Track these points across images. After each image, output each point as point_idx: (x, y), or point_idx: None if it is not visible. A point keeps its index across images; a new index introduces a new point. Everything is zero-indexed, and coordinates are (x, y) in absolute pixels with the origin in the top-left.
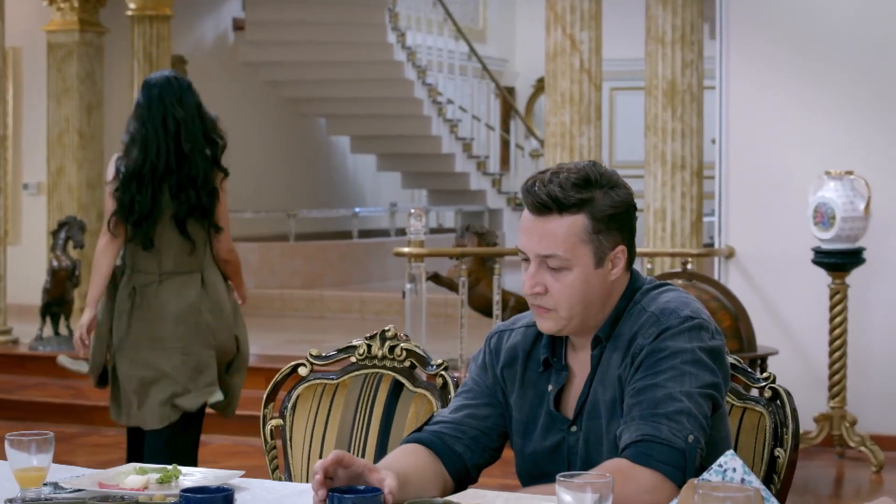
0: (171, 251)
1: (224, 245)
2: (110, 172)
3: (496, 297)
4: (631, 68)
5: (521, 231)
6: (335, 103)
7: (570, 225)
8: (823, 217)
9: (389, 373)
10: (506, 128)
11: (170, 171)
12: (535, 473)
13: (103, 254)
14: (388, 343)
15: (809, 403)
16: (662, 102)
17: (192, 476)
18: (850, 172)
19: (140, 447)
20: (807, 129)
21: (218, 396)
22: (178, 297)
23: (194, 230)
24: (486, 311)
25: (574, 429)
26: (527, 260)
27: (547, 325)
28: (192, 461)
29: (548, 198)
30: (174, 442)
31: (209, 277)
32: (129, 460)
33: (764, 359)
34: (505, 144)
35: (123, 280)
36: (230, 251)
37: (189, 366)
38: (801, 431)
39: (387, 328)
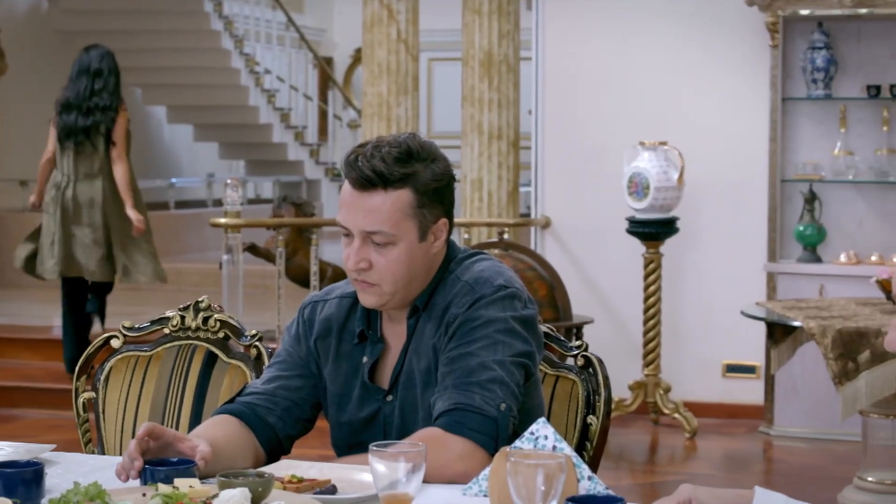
0: None
1: None
2: None
3: (314, 268)
4: (448, 39)
5: (344, 206)
6: (151, 73)
7: (395, 200)
8: (638, 187)
9: (203, 344)
10: (324, 98)
11: None
12: (351, 444)
13: None
14: (201, 314)
15: (624, 371)
16: (479, 73)
17: (1, 451)
18: (663, 143)
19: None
20: (621, 100)
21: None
22: None
23: None
24: (304, 281)
25: (390, 398)
26: (348, 235)
27: (371, 300)
28: None
29: (372, 173)
30: None
31: None
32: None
33: (579, 327)
34: (323, 115)
35: None
36: None
37: None
38: (617, 399)
39: (200, 299)
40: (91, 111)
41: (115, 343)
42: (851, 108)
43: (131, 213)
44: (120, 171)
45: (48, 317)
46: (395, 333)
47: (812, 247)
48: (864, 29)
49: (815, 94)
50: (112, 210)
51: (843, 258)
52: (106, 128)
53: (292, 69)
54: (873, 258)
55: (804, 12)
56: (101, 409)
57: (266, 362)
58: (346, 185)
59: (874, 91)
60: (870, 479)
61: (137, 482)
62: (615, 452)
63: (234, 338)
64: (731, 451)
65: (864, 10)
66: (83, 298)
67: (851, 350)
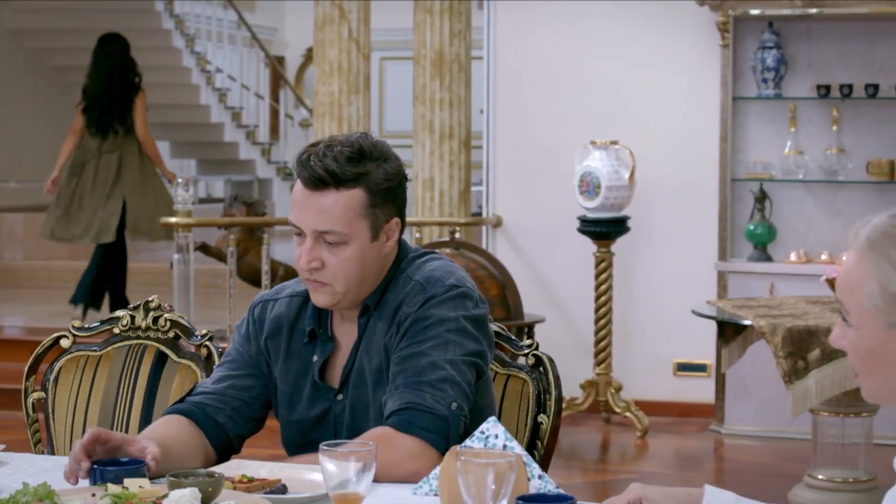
0: None
1: None
2: None
3: (265, 267)
4: (400, 38)
5: (296, 205)
6: None
7: (348, 200)
8: (589, 186)
9: (153, 343)
10: (275, 97)
11: None
12: (302, 443)
13: None
14: (151, 314)
15: (576, 370)
16: (431, 72)
17: None
18: (614, 142)
19: None
20: (573, 100)
21: None
22: None
23: None
24: (255, 280)
25: (340, 397)
26: (300, 234)
27: (323, 300)
28: None
29: (324, 172)
30: None
31: None
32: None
33: (531, 326)
34: (274, 114)
35: None
36: None
37: None
38: (568, 398)
39: (150, 299)
40: (111, 101)
41: (64, 343)
42: (801, 108)
43: (168, 173)
44: (151, 150)
45: None
46: (345, 332)
47: (762, 246)
48: (814, 29)
49: (766, 94)
50: (128, 181)
51: (793, 257)
52: (125, 112)
53: (244, 68)
54: (823, 257)
55: (755, 12)
56: (50, 410)
57: (216, 362)
58: (298, 184)
59: (824, 91)
60: (820, 476)
61: (87, 482)
62: (566, 451)
63: (185, 337)
64: (683, 449)
65: (814, 10)
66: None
67: (801, 348)
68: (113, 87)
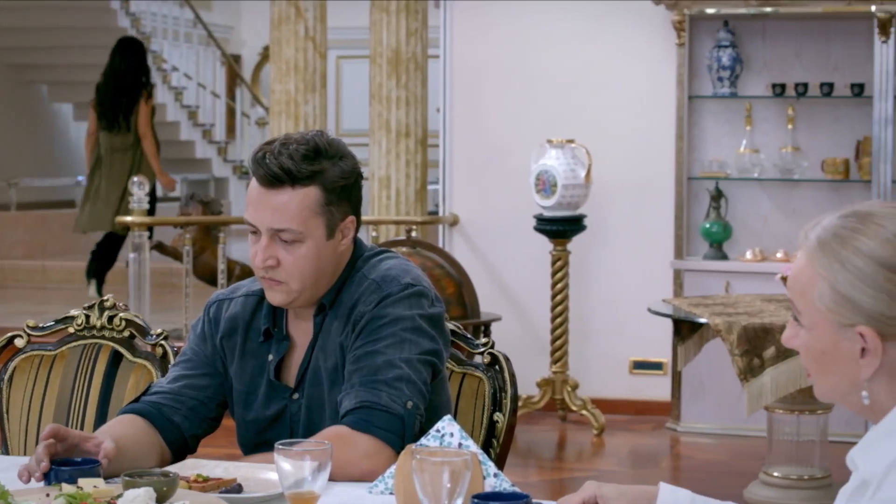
0: None
1: None
2: None
3: (221, 266)
4: (356, 37)
5: (251, 203)
6: (58, 70)
7: (303, 198)
8: (545, 185)
9: (109, 343)
10: (232, 96)
11: None
12: (257, 442)
13: None
14: (106, 313)
15: (532, 368)
16: (387, 71)
17: None
18: (571, 141)
19: None
20: (529, 98)
21: None
22: None
23: None
24: (212, 280)
25: (296, 396)
26: (255, 232)
27: (278, 298)
28: None
29: (280, 170)
30: None
31: None
32: None
33: (487, 325)
34: (231, 112)
35: None
36: None
37: None
38: (525, 396)
39: (105, 298)
40: (118, 102)
41: (18, 342)
42: (757, 107)
43: (161, 176)
44: (147, 146)
45: None
46: (301, 331)
47: (718, 244)
48: (770, 28)
49: (721, 93)
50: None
51: (748, 255)
52: (130, 107)
53: (200, 67)
54: (778, 255)
55: (710, 11)
56: (4, 410)
57: (172, 361)
58: (254, 182)
59: (779, 89)
60: (775, 473)
61: (42, 483)
62: (523, 449)
63: (140, 336)
64: (639, 447)
65: (769, 9)
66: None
67: (757, 346)
68: (121, 83)
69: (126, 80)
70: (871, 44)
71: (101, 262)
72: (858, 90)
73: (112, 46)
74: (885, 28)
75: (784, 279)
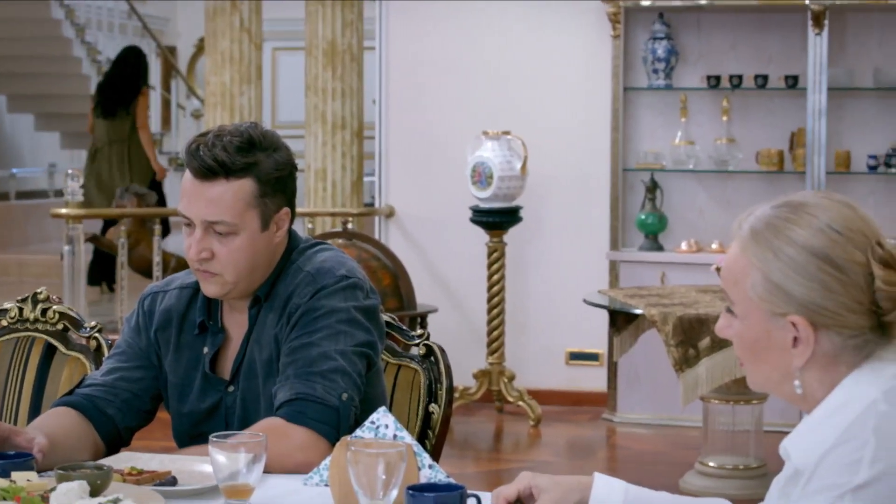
0: None
1: None
2: None
3: (156, 259)
4: (292, 28)
5: (185, 196)
6: None
7: (238, 190)
8: (481, 176)
9: (42, 336)
10: (167, 87)
11: None
12: (193, 435)
13: None
14: (40, 305)
15: (469, 360)
16: (323, 63)
17: None
18: (507, 132)
19: None
20: (465, 90)
21: None
22: None
23: None
24: (147, 272)
25: (231, 389)
26: (190, 224)
27: (213, 290)
28: None
29: (214, 162)
30: None
31: None
32: None
33: (424, 317)
34: (166, 104)
35: None
36: None
37: None
38: (462, 387)
39: (38, 290)
40: (119, 94)
41: None
42: (692, 98)
43: (155, 164)
44: (144, 136)
45: None
46: (236, 324)
47: (653, 235)
48: (704, 20)
49: (656, 84)
50: (137, 171)
51: (683, 246)
52: (130, 100)
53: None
54: (713, 246)
55: (645, 3)
56: None
57: (106, 354)
58: (188, 174)
59: (714, 81)
60: (711, 463)
61: None
62: (460, 440)
63: (74, 329)
64: (575, 438)
65: (704, 2)
66: None
67: (692, 337)
68: (121, 78)
69: (127, 80)
70: (806, 36)
71: (101, 264)
72: (793, 82)
73: (47, 36)
74: (818, 20)
75: (719, 270)
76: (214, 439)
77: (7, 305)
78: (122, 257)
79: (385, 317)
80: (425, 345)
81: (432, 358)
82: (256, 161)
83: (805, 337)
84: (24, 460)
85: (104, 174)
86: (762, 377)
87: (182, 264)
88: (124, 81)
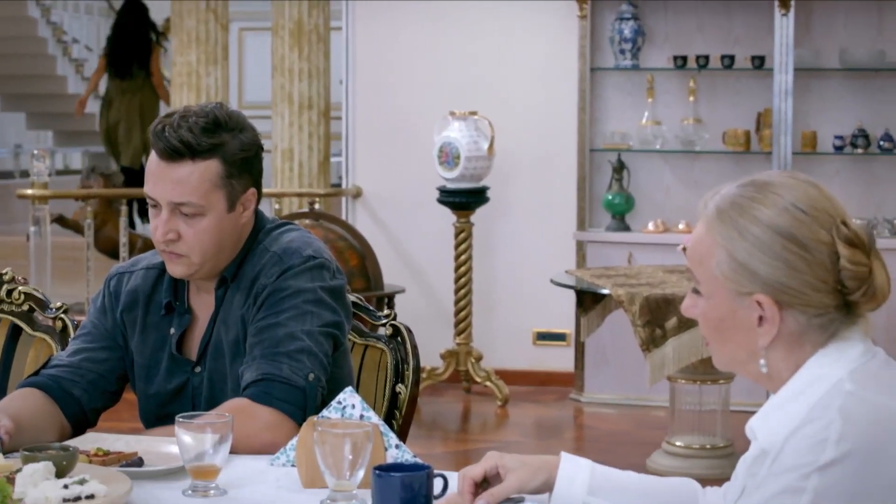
0: None
1: None
2: None
3: (123, 240)
4: (259, 8)
5: (151, 177)
6: None
7: (204, 171)
8: (448, 157)
9: (7, 317)
10: None
11: None
12: (159, 415)
13: None
14: (5, 286)
15: (436, 340)
16: (289, 43)
17: None
18: (473, 113)
19: None
20: (432, 70)
21: None
22: None
23: None
24: (114, 253)
25: (198, 370)
26: (156, 206)
27: (179, 270)
28: None
29: (179, 143)
30: None
31: None
32: None
33: (391, 297)
34: None
35: None
36: None
37: None
38: (429, 368)
39: (4, 271)
40: (131, 53)
41: None
42: (659, 79)
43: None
44: (162, 91)
45: None
46: (202, 304)
47: (620, 215)
48: (671, 1)
49: (623, 65)
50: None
51: (650, 226)
52: (144, 58)
53: (101, 38)
54: (680, 226)
55: None
56: None
57: (72, 335)
58: (153, 156)
59: (681, 62)
60: (678, 443)
61: None
62: (427, 421)
63: (40, 310)
64: (542, 418)
65: None
66: None
67: (659, 317)
68: (131, 39)
69: (135, 35)
70: (772, 17)
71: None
72: (759, 63)
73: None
74: (785, 1)
75: (685, 250)
76: (181, 420)
77: None
78: (88, 238)
79: (352, 297)
80: (392, 325)
81: (399, 338)
82: (222, 142)
83: (770, 316)
84: None
85: (119, 125)
86: (728, 356)
87: (148, 245)
88: (134, 38)
